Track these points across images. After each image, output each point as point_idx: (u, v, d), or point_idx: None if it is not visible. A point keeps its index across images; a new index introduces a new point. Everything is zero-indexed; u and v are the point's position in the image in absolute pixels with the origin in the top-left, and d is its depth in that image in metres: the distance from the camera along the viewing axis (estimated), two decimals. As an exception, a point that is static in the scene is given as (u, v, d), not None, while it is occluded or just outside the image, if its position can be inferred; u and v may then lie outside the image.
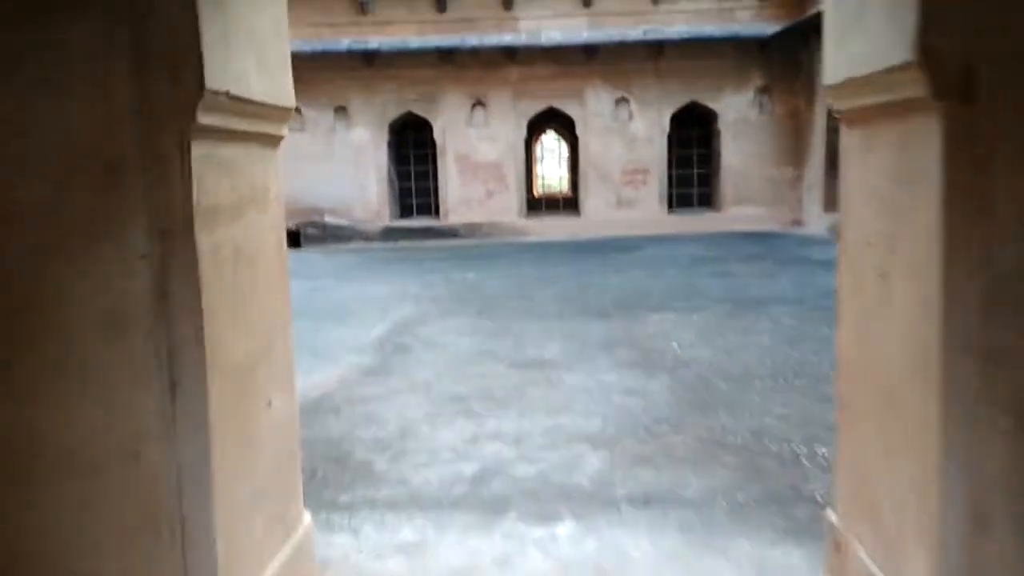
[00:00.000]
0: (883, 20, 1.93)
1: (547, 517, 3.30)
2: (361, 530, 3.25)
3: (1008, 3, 1.72)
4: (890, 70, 1.89)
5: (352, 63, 15.16)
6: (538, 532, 3.17)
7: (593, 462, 3.93)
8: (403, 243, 15.49)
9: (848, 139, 2.33)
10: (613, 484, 3.64)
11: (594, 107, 15.51)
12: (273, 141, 2.42)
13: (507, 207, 15.76)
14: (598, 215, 15.66)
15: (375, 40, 14.77)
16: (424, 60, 15.14)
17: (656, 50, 15.06)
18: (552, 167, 21.79)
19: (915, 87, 1.81)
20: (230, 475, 2.02)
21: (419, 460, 4.06)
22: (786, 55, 14.95)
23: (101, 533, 1.94)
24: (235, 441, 2.07)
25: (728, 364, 5.74)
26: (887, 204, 2.08)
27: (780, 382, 5.24)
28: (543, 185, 21.43)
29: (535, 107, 15.54)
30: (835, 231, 12.63)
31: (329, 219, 15.84)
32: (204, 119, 1.90)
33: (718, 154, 15.79)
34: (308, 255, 14.38)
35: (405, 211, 16.80)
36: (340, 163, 15.68)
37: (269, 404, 2.30)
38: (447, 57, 15.19)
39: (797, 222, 15.34)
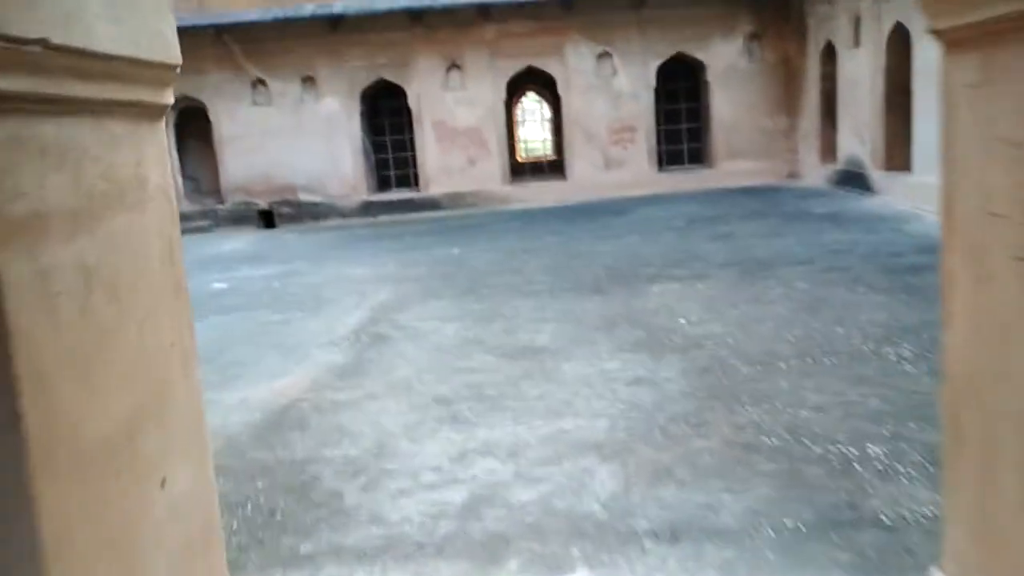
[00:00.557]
0: None
1: (555, 565, 2.68)
2: (325, 595, 2.62)
3: None
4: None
5: (317, 29, 14.25)
6: (545, 587, 2.55)
7: (604, 479, 3.30)
8: (383, 218, 14.72)
9: (955, 69, 1.66)
10: (631, 510, 3.02)
11: (575, 64, 14.68)
12: (150, 113, 1.72)
13: (490, 174, 14.99)
14: (585, 178, 14.91)
15: (339, 3, 13.86)
16: (393, 22, 14.24)
17: (638, -1, 14.24)
18: (534, 130, 20.94)
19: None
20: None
21: (397, 486, 3.42)
22: (775, -2, 14.18)
23: None
24: (102, 556, 1.41)
25: (745, 341, 5.11)
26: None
27: (808, 362, 4.61)
28: (526, 149, 20.61)
29: (513, 67, 14.68)
30: (833, 181, 11.92)
31: (303, 196, 15.03)
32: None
33: (708, 107, 15.02)
34: (282, 236, 13.63)
35: (383, 184, 16.01)
36: (311, 136, 14.84)
37: (163, 483, 1.64)
38: (417, 18, 14.30)
39: (793, 174, 14.66)
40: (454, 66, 14.65)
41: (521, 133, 20.09)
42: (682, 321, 5.73)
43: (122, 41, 1.54)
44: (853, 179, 12.20)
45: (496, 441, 3.81)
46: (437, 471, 3.53)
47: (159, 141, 1.77)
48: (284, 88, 14.69)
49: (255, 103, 14.74)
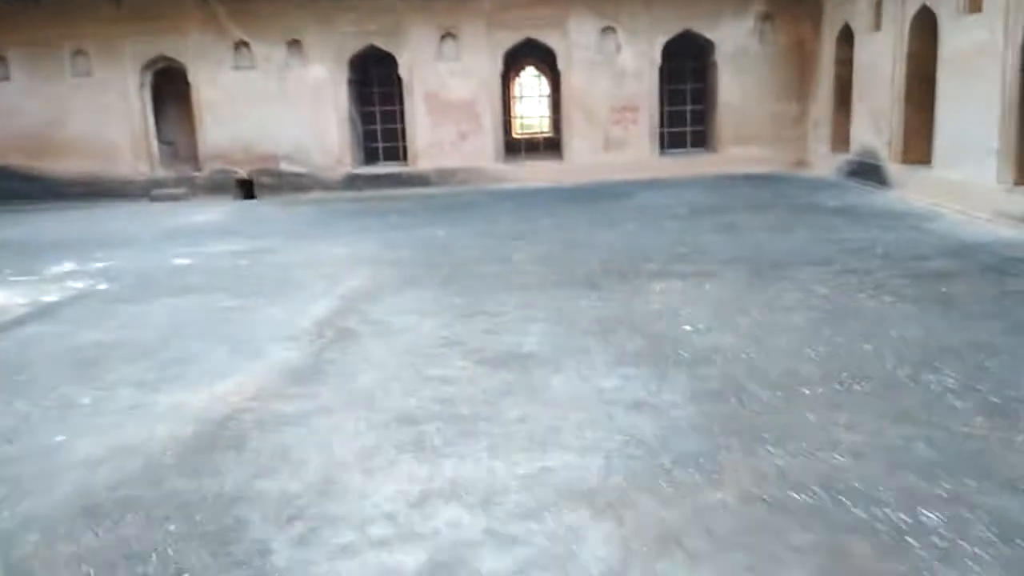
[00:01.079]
0: None
1: None
2: None
3: None
4: None
5: (305, -10, 13.45)
6: None
7: (597, 547, 2.63)
8: (368, 192, 13.95)
9: None
10: (630, 597, 2.36)
11: (577, 38, 13.87)
12: None
13: (482, 150, 14.22)
14: (583, 158, 14.16)
15: (330, -37, 13.04)
16: (386, -15, 13.45)
17: (646, -28, 13.43)
18: (532, 106, 20.10)
19: None
20: None
21: (340, 541, 2.75)
22: (790, -24, 13.40)
23: None
24: None
25: (761, 358, 4.45)
26: None
27: (836, 388, 3.95)
28: (522, 126, 19.81)
29: (512, 39, 13.86)
30: (844, 172, 11.22)
31: (285, 166, 14.25)
32: None
33: (714, 89, 14.26)
34: (260, 208, 12.87)
35: (370, 157, 15.24)
36: (296, 104, 14.02)
37: None
38: (412, -18, 13.50)
39: (802, 163, 13.94)
40: (449, 35, 13.85)
41: (518, 109, 19.28)
42: (688, 329, 5.06)
43: None
44: (866, 171, 11.51)
45: (466, 481, 3.14)
46: (391, 521, 2.86)
47: None
48: (269, 52, 13.89)
49: (237, 67, 13.91)
